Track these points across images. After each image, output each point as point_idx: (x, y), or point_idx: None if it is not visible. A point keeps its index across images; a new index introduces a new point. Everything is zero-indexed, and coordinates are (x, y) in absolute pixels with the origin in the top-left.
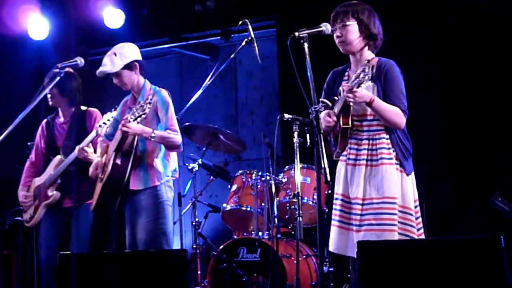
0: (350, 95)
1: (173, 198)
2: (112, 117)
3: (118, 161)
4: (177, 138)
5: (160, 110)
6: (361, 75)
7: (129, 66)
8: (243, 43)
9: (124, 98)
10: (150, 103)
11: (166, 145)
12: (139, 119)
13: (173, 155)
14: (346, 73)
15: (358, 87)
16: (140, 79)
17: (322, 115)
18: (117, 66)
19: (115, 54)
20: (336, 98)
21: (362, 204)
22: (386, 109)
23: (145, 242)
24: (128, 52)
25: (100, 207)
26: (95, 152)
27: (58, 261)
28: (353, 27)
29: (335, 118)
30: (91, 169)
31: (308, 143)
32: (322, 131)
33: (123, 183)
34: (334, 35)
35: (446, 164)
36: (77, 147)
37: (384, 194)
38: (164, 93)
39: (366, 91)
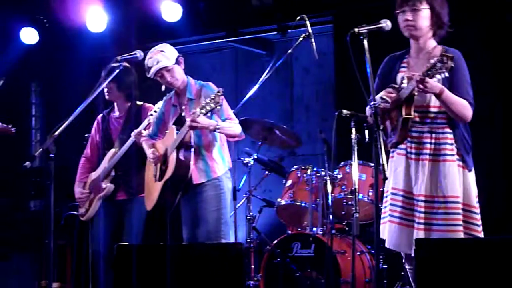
0: (421, 85)
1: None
2: (151, 114)
3: (182, 157)
4: (238, 126)
5: (207, 94)
6: (438, 65)
7: (177, 61)
8: (301, 39)
9: (166, 96)
10: (221, 94)
11: (229, 134)
12: (210, 113)
13: (226, 146)
14: (405, 60)
15: (431, 77)
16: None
17: (380, 95)
18: (172, 60)
19: (163, 51)
20: (395, 86)
21: (425, 201)
22: (455, 102)
23: (208, 233)
24: (170, 48)
25: (159, 205)
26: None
27: (115, 252)
28: (425, 12)
29: (394, 96)
30: (149, 153)
31: (367, 139)
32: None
33: (187, 177)
34: (401, 18)
35: (502, 158)
36: (133, 132)
37: (448, 192)
38: (213, 85)
39: (436, 82)
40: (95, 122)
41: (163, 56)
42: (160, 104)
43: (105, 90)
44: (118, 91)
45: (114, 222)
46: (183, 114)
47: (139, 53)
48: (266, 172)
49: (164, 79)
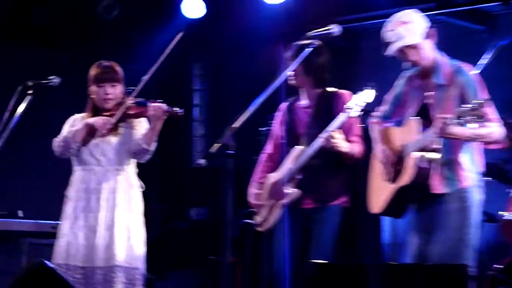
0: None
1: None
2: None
3: (424, 164)
4: (499, 129)
5: (468, 96)
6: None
7: (427, 35)
8: None
9: (405, 73)
10: (483, 106)
11: (484, 140)
12: (470, 125)
13: (481, 150)
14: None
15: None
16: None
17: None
18: (419, 35)
19: (407, 23)
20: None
21: None
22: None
23: (443, 255)
24: (418, 18)
25: (387, 211)
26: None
27: (309, 271)
28: None
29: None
30: (379, 150)
31: None
32: None
33: (425, 187)
34: None
35: None
36: (323, 135)
37: None
38: (471, 72)
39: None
40: (278, 113)
41: (408, 30)
42: (362, 95)
43: (290, 74)
44: (307, 75)
45: (300, 235)
46: (428, 102)
47: (336, 28)
48: (486, 178)
49: (406, 57)
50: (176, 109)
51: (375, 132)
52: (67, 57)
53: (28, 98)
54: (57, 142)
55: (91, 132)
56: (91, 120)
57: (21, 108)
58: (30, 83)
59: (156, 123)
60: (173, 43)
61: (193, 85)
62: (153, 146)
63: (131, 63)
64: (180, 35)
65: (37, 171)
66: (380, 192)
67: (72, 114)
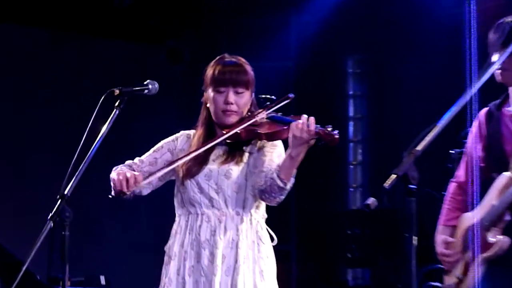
0: None
1: None
2: None
3: None
4: None
5: None
6: None
7: None
8: None
9: None
10: None
11: None
12: None
13: None
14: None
15: None
16: None
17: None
18: None
19: None
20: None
21: None
22: None
23: None
24: None
25: None
26: None
27: None
28: None
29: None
30: None
31: None
32: None
33: None
34: None
35: None
36: None
37: None
38: None
39: None
40: (475, 123)
41: None
42: None
43: (497, 69)
44: None
45: None
46: None
47: None
48: None
49: None
50: (330, 129)
51: None
52: (166, 52)
53: (115, 112)
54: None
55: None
56: (117, 173)
57: (106, 126)
58: (117, 91)
59: (300, 150)
60: None
61: (347, 89)
62: (291, 182)
63: (258, 59)
64: None
65: (124, 220)
66: None
67: (177, 130)
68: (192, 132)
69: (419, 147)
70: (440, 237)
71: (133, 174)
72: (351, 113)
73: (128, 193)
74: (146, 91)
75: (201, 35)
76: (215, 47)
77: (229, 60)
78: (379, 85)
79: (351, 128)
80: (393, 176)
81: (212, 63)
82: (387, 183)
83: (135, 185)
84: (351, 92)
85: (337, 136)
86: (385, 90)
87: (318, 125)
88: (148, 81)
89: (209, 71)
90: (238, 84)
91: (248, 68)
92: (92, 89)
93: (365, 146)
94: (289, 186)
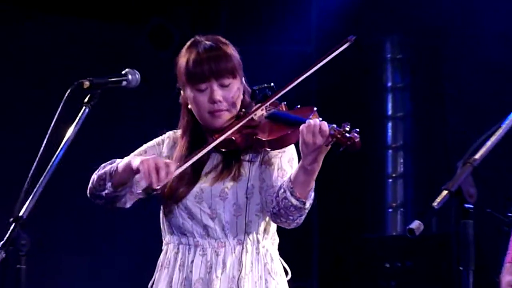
0: None
1: None
2: None
3: None
4: None
5: None
6: None
7: None
8: None
9: None
10: None
11: None
12: None
13: None
14: None
15: None
16: None
17: None
18: None
19: None
20: None
21: None
22: None
23: None
24: None
25: None
26: None
27: None
28: None
29: None
30: None
31: None
32: None
33: None
34: None
35: None
36: None
37: None
38: None
39: None
40: None
41: None
42: None
43: None
44: None
45: None
46: None
47: None
48: None
49: None
50: (347, 128)
51: None
52: (150, 33)
53: (84, 110)
54: (95, 175)
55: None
56: (141, 160)
57: (72, 129)
58: (87, 83)
59: (313, 158)
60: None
61: (384, 80)
62: (310, 199)
63: (268, 42)
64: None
65: (96, 247)
66: None
67: (162, 131)
68: (177, 133)
69: (478, 156)
70: (507, 278)
71: (164, 161)
72: (389, 111)
73: (159, 190)
74: (124, 82)
75: (194, 12)
76: (213, 27)
77: (204, 44)
78: (426, 75)
79: (389, 131)
80: (444, 193)
81: (182, 51)
82: (437, 202)
83: (168, 177)
84: (389, 84)
85: (357, 139)
86: (434, 81)
87: (334, 125)
88: (127, 70)
89: (181, 64)
90: (221, 75)
91: (230, 49)
92: (58, 82)
93: (407, 154)
94: (308, 204)
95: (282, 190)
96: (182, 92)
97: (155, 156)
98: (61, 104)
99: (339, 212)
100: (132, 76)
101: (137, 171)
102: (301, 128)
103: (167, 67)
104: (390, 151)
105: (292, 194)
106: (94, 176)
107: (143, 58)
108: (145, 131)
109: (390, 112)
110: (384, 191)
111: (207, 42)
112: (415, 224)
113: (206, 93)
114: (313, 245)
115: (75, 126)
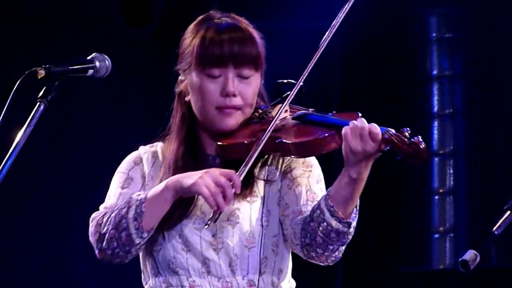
0: None
1: None
2: None
3: None
4: None
5: None
6: None
7: None
8: None
9: None
10: None
11: None
12: None
13: None
14: None
15: None
16: None
17: None
18: None
19: None
20: None
21: None
22: None
23: None
24: None
25: None
26: None
27: None
28: None
29: None
30: None
31: None
32: None
33: None
34: None
35: None
36: None
37: None
38: None
39: None
40: None
41: None
42: None
43: None
44: None
45: None
46: None
47: None
48: None
49: None
50: (407, 133)
51: None
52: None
53: (39, 106)
54: (94, 227)
55: (180, 205)
56: (194, 182)
57: (24, 130)
58: (42, 72)
59: (361, 168)
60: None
61: (429, 67)
62: (355, 221)
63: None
64: None
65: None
66: None
67: (135, 142)
68: (158, 147)
69: None
70: None
71: (222, 173)
72: (435, 107)
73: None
74: (91, 71)
75: None
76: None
77: (224, 23)
78: (482, 61)
79: (435, 133)
80: (507, 214)
81: (192, 27)
82: (497, 226)
83: (236, 192)
84: (435, 72)
85: (423, 145)
86: (495, 68)
87: (391, 129)
88: (94, 54)
89: (191, 41)
90: (242, 62)
91: (256, 35)
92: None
93: (459, 163)
94: (353, 227)
95: (318, 212)
96: (181, 78)
97: (207, 171)
98: (10, 98)
99: (371, 239)
100: (101, 62)
101: (189, 198)
102: (343, 131)
103: (147, 51)
104: (436, 159)
105: (333, 215)
106: (102, 234)
107: (117, 40)
108: (119, 135)
109: (436, 109)
110: (428, 211)
111: (228, 20)
112: (470, 255)
113: (219, 81)
114: (336, 284)
115: (27, 126)
